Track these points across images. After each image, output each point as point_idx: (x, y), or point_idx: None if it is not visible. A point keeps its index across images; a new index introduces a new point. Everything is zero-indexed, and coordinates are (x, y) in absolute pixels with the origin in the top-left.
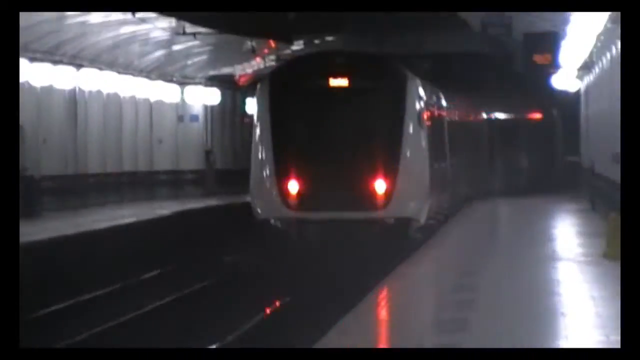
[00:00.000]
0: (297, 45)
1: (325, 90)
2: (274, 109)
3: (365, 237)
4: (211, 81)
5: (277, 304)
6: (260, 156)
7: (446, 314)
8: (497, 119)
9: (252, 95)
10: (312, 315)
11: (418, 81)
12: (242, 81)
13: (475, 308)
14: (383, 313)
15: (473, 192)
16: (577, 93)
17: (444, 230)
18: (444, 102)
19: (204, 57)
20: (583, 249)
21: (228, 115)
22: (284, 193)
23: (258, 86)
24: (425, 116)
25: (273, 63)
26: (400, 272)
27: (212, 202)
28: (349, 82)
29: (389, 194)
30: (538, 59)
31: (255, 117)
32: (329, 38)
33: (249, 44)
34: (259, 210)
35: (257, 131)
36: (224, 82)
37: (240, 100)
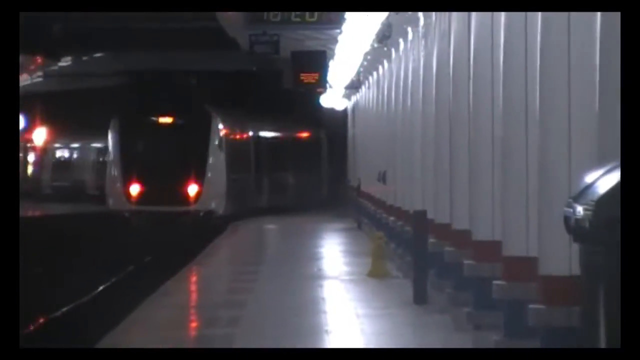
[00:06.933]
0: (65, 62)
1: (155, 123)
2: (121, 134)
3: (183, 223)
4: None
5: None
6: (112, 167)
7: (215, 329)
8: (271, 138)
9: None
10: None
11: (219, 118)
12: None
13: (241, 325)
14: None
15: (259, 201)
16: (345, 112)
17: (219, 244)
18: (239, 129)
19: None
20: (348, 268)
21: None
22: (127, 193)
23: (112, 120)
24: (223, 141)
25: (40, 79)
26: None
27: None
28: (172, 119)
29: (198, 194)
30: (305, 77)
31: (109, 140)
32: (97, 54)
33: None
34: (111, 204)
35: (110, 149)
36: None
37: None
